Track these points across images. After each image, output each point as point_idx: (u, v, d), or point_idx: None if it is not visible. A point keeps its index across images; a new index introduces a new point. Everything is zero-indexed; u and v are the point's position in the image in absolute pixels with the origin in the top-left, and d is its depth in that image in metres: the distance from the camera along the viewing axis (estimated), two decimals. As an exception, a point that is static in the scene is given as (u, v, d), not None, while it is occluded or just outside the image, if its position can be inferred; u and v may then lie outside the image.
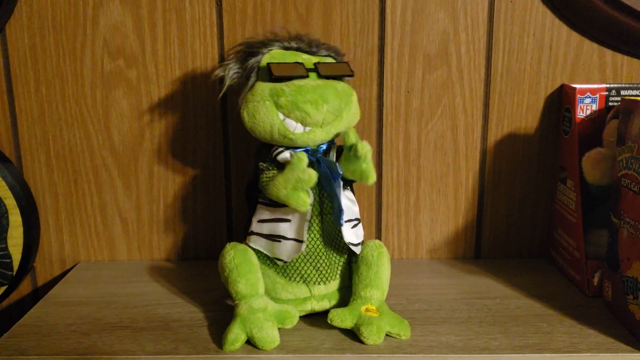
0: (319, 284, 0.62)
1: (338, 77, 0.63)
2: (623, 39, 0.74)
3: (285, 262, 0.62)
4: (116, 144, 0.77)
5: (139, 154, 0.78)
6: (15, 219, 0.75)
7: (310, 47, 0.64)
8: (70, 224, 0.79)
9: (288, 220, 0.61)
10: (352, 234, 0.62)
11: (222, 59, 0.75)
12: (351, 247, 0.62)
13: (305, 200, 0.57)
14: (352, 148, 0.59)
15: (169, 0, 0.73)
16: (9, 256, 0.75)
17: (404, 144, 0.78)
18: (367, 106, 0.77)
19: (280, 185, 0.57)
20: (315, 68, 0.61)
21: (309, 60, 0.62)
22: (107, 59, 0.75)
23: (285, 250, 0.61)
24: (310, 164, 0.59)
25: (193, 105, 0.76)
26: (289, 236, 0.61)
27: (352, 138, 0.60)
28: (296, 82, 0.59)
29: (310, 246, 0.61)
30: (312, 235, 0.61)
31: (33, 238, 0.77)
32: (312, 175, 0.56)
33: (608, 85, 0.70)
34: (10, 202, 0.74)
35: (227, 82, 0.62)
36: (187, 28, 0.74)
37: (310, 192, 0.60)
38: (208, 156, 0.78)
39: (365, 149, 0.58)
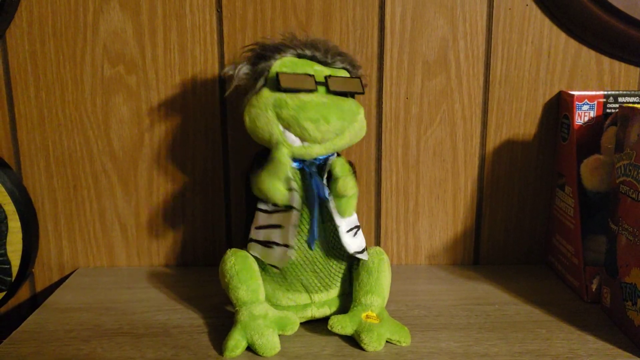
0: (320, 291, 0.62)
1: (348, 94, 0.62)
2: (621, 46, 0.75)
3: (278, 268, 0.62)
4: (116, 149, 0.77)
5: (138, 160, 0.78)
6: (14, 224, 0.75)
7: (325, 56, 0.62)
8: (69, 229, 0.79)
9: (280, 227, 0.60)
10: (354, 243, 0.62)
11: (222, 65, 0.75)
12: (358, 256, 0.62)
13: (281, 190, 0.57)
14: (334, 182, 0.59)
15: (169, 7, 0.74)
16: (7, 262, 0.75)
17: (403, 150, 0.78)
18: (367, 113, 0.77)
19: (261, 177, 0.58)
20: (326, 82, 0.60)
21: (320, 72, 0.61)
22: (107, 65, 0.75)
23: (276, 256, 0.61)
24: (302, 176, 0.60)
25: (193, 111, 0.77)
26: (280, 242, 0.60)
27: (338, 171, 0.59)
28: (302, 96, 0.58)
29: (306, 253, 0.61)
30: (297, 242, 0.61)
31: (32, 244, 0.77)
32: (284, 152, 0.57)
33: (606, 92, 0.70)
34: (10, 208, 0.74)
35: (235, 82, 0.62)
36: (187, 34, 0.74)
37: (296, 194, 0.59)
38: (207, 162, 0.78)
39: (344, 188, 0.58)
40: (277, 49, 0.61)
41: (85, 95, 0.76)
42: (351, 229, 0.62)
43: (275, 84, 0.59)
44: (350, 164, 0.63)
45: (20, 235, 0.75)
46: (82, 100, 0.76)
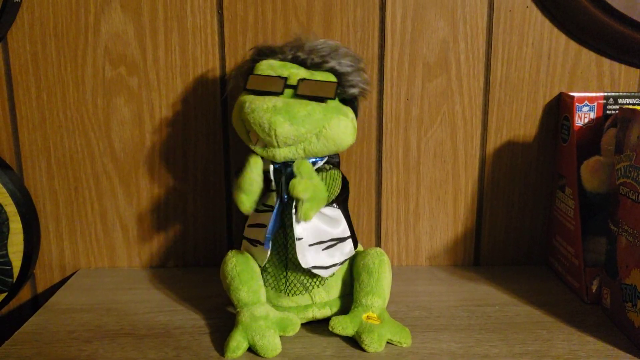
0: (301, 293, 0.62)
1: (320, 98, 0.59)
2: (621, 48, 0.75)
3: (260, 266, 0.63)
4: (117, 151, 0.77)
5: (139, 161, 0.78)
6: (15, 226, 0.75)
7: (308, 57, 0.60)
8: (70, 230, 0.79)
9: (264, 226, 0.60)
10: (314, 258, 0.60)
11: (223, 66, 0.75)
12: (316, 271, 0.61)
13: (241, 200, 0.58)
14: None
15: (171, 9, 0.74)
16: (9, 263, 0.75)
17: (404, 151, 0.78)
18: (367, 114, 0.77)
19: (234, 186, 0.59)
20: (297, 85, 0.59)
21: (296, 75, 0.59)
22: (109, 67, 0.75)
23: (259, 254, 0.62)
24: (278, 174, 0.60)
25: (194, 112, 0.77)
26: (261, 240, 0.61)
27: (295, 171, 0.57)
28: (259, 99, 0.58)
29: (282, 255, 0.62)
30: (281, 243, 0.62)
31: (33, 245, 0.77)
32: (252, 164, 0.59)
33: (606, 94, 0.70)
34: (11, 209, 0.74)
35: (230, 83, 0.63)
36: (188, 36, 0.74)
37: (274, 193, 0.60)
38: (208, 163, 0.78)
39: (292, 188, 0.56)
40: (264, 52, 0.62)
41: (87, 97, 0.76)
42: (322, 242, 0.61)
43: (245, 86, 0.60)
44: (338, 171, 0.62)
45: (21, 237, 0.75)
46: (84, 102, 0.76)
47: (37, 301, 0.81)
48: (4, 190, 0.74)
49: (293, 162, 0.59)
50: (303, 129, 0.57)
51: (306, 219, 0.57)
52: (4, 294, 0.76)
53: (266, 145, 0.58)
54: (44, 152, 0.77)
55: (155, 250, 0.80)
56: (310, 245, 0.60)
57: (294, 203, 0.58)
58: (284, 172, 0.59)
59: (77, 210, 0.79)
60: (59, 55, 0.75)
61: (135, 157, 0.78)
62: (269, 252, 0.61)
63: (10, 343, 0.60)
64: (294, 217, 0.59)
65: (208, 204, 0.79)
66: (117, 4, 0.73)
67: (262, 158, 0.60)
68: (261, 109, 0.57)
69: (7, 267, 0.75)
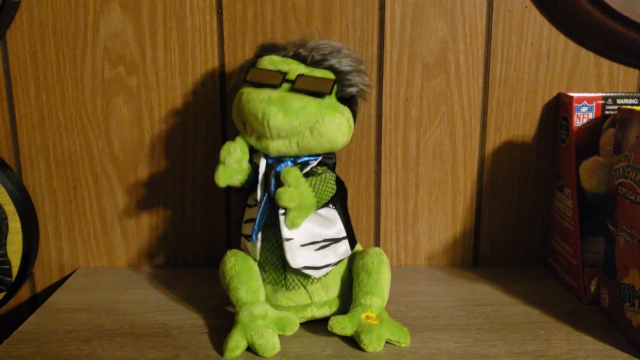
0: (299, 288, 0.62)
1: (316, 93, 0.59)
2: (619, 48, 0.75)
3: (258, 262, 0.63)
4: (116, 150, 0.77)
5: (138, 161, 0.78)
6: (14, 225, 0.75)
7: (309, 55, 0.61)
8: (69, 230, 0.79)
9: (255, 220, 0.61)
10: (304, 257, 0.60)
11: (222, 66, 0.75)
12: (307, 271, 0.61)
13: (219, 174, 0.60)
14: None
15: (170, 8, 0.74)
16: (8, 262, 0.75)
17: (403, 151, 0.78)
18: (366, 114, 0.77)
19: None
20: (295, 80, 0.60)
21: (295, 70, 0.60)
22: (108, 66, 0.75)
23: (252, 248, 0.62)
24: (268, 171, 0.60)
25: (193, 112, 0.77)
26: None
27: (282, 178, 0.57)
28: (255, 91, 0.59)
29: (279, 252, 0.62)
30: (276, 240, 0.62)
31: (32, 244, 0.77)
32: (236, 140, 0.60)
33: (604, 94, 0.71)
34: (10, 209, 0.74)
35: (233, 78, 0.65)
36: (187, 36, 0.75)
37: (259, 190, 0.60)
38: (208, 163, 0.78)
39: (277, 197, 0.56)
40: (267, 49, 0.63)
41: (86, 96, 0.76)
42: (315, 242, 0.61)
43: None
44: (333, 173, 0.62)
45: (20, 236, 0.75)
46: (83, 101, 0.76)
47: (36, 300, 0.81)
48: (2, 189, 0.74)
49: (285, 158, 0.60)
50: (296, 121, 0.58)
51: (293, 226, 0.59)
52: (3, 293, 0.76)
53: (260, 137, 0.60)
54: (42, 152, 0.77)
55: (154, 249, 0.80)
56: (302, 245, 0.60)
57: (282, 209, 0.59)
58: (275, 168, 0.60)
59: (76, 209, 0.79)
60: (58, 55, 0.75)
61: (134, 156, 0.78)
62: (258, 244, 0.61)
63: (9, 342, 0.60)
64: (281, 219, 0.59)
65: (207, 203, 0.79)
66: (116, 3, 0.73)
67: (256, 151, 0.61)
68: (257, 99, 0.58)
69: (6, 267, 0.75)
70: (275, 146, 0.59)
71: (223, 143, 0.76)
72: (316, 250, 0.61)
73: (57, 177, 0.78)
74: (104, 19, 0.74)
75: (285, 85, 0.60)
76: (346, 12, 0.74)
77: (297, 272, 0.62)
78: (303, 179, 0.59)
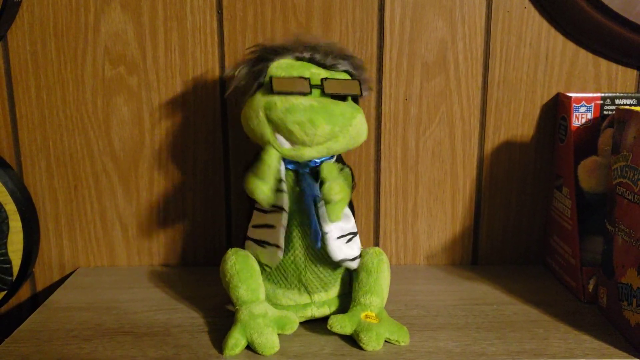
0: (319, 291, 0.63)
1: (344, 97, 0.61)
2: (618, 49, 0.75)
3: (270, 268, 0.63)
4: (116, 150, 0.78)
5: (139, 160, 0.78)
6: (15, 224, 0.75)
7: (325, 58, 0.61)
8: (70, 229, 0.80)
9: (273, 227, 0.61)
10: (343, 251, 0.61)
11: (222, 66, 0.76)
12: (346, 264, 0.62)
13: (263, 191, 0.58)
14: (321, 185, 0.58)
15: (170, 9, 0.74)
16: (8, 261, 0.76)
17: (402, 151, 0.79)
18: (366, 114, 0.77)
19: (248, 177, 0.59)
20: (321, 84, 0.60)
21: (317, 74, 0.60)
22: (108, 66, 0.75)
23: (268, 255, 0.62)
24: (296, 178, 0.60)
25: (193, 112, 0.77)
26: (271, 242, 0.61)
27: (324, 175, 0.59)
28: (291, 98, 0.58)
29: (305, 254, 0.62)
30: (297, 243, 0.62)
31: (33, 243, 0.77)
32: (271, 154, 0.58)
33: (603, 95, 0.71)
34: (11, 208, 0.75)
35: (235, 83, 0.62)
36: (188, 36, 0.75)
37: (285, 196, 0.59)
38: (208, 162, 0.79)
39: (328, 192, 0.57)
40: (275, 52, 0.62)
41: (86, 96, 0.76)
42: (343, 236, 0.61)
43: (269, 87, 0.59)
44: (349, 167, 0.64)
45: (21, 235, 0.75)
46: (83, 101, 0.76)
47: (37, 299, 0.81)
48: (3, 188, 0.74)
49: (307, 163, 0.60)
50: (337, 127, 0.58)
51: (337, 219, 0.59)
52: (4, 292, 0.76)
53: (295, 145, 0.59)
54: (43, 151, 0.77)
55: (155, 249, 0.81)
56: (337, 238, 0.61)
57: (319, 202, 0.59)
58: (305, 172, 0.60)
59: (76, 209, 0.79)
60: (59, 55, 0.75)
61: (134, 156, 0.78)
62: (281, 253, 0.60)
63: (9, 341, 0.61)
64: (321, 212, 0.59)
65: (207, 202, 0.80)
66: (116, 3, 0.74)
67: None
68: (299, 108, 0.57)
69: (7, 266, 0.76)
70: (311, 153, 0.59)
71: (223, 143, 0.78)
72: (346, 243, 0.62)
73: (57, 176, 0.78)
74: (104, 19, 0.74)
75: (315, 91, 0.59)
76: (346, 12, 0.75)
77: (316, 269, 0.62)
78: (340, 173, 0.60)
